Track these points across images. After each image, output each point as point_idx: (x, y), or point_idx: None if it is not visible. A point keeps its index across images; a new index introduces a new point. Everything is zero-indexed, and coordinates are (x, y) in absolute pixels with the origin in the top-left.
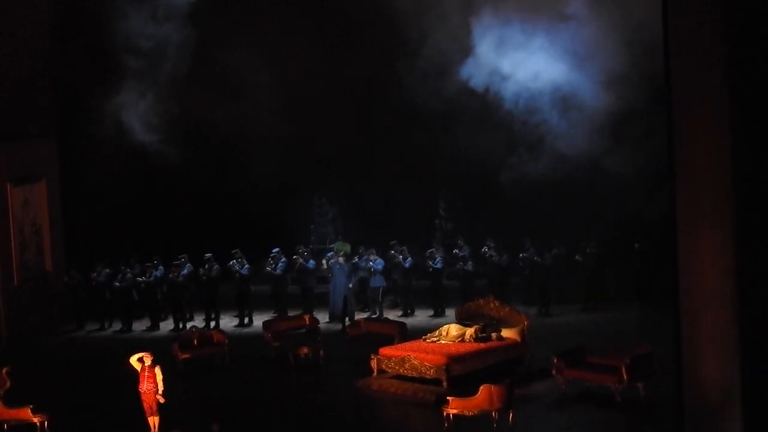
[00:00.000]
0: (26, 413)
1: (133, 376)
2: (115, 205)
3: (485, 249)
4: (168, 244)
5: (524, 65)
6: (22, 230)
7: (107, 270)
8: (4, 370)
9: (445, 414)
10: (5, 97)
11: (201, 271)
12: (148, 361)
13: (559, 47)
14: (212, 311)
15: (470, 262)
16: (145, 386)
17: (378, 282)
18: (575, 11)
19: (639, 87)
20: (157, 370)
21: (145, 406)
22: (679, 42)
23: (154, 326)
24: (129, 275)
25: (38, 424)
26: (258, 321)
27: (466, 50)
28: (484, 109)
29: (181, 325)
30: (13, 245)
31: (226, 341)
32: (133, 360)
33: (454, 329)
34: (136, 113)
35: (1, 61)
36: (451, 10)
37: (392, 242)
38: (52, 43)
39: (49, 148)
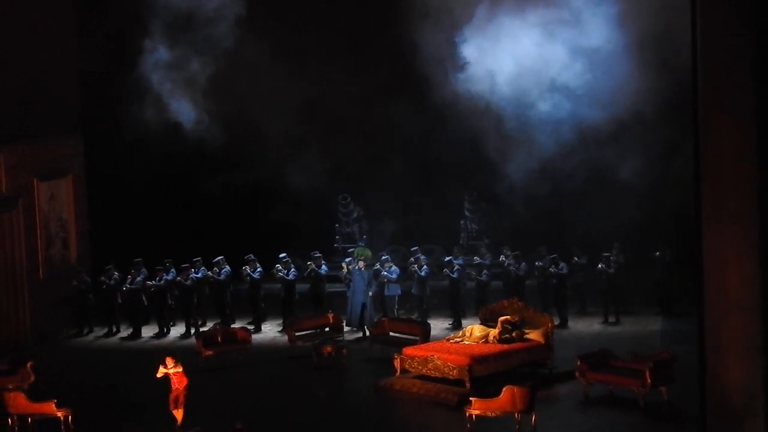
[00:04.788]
0: (50, 407)
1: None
2: (137, 203)
3: (503, 257)
4: (188, 245)
5: (538, 69)
6: (47, 225)
7: (116, 274)
8: (28, 365)
9: (467, 415)
10: (31, 93)
11: (209, 273)
12: (170, 364)
13: (577, 52)
14: (223, 315)
15: (485, 272)
16: (175, 385)
17: (393, 290)
18: (586, 16)
19: (652, 92)
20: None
21: (171, 399)
22: (706, 44)
23: (162, 332)
24: (139, 279)
25: (62, 418)
26: (267, 326)
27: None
28: (493, 114)
29: (188, 330)
30: (39, 240)
31: (250, 339)
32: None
33: (477, 330)
34: (162, 111)
35: (26, 58)
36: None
37: (413, 248)
38: (78, 40)
39: (75, 143)
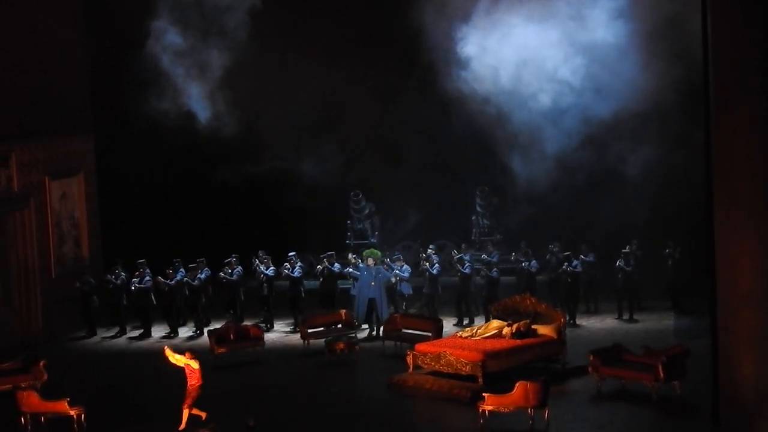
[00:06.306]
0: (63, 406)
1: (167, 369)
2: (148, 200)
3: (514, 255)
4: (199, 242)
5: (544, 64)
6: (59, 223)
7: (123, 274)
8: (41, 363)
9: (480, 410)
10: (41, 91)
11: (221, 274)
12: (189, 361)
13: (583, 46)
14: (235, 314)
15: (495, 270)
16: (191, 381)
17: (404, 289)
18: (594, 11)
19: (661, 86)
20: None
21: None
22: (718, 43)
23: (173, 332)
24: (147, 279)
25: (75, 416)
26: (277, 324)
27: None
28: (499, 110)
29: (199, 329)
30: (51, 238)
31: (263, 336)
32: (173, 358)
33: (495, 323)
34: (174, 99)
35: (37, 56)
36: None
37: (430, 246)
38: (86, 37)
39: (86, 142)
